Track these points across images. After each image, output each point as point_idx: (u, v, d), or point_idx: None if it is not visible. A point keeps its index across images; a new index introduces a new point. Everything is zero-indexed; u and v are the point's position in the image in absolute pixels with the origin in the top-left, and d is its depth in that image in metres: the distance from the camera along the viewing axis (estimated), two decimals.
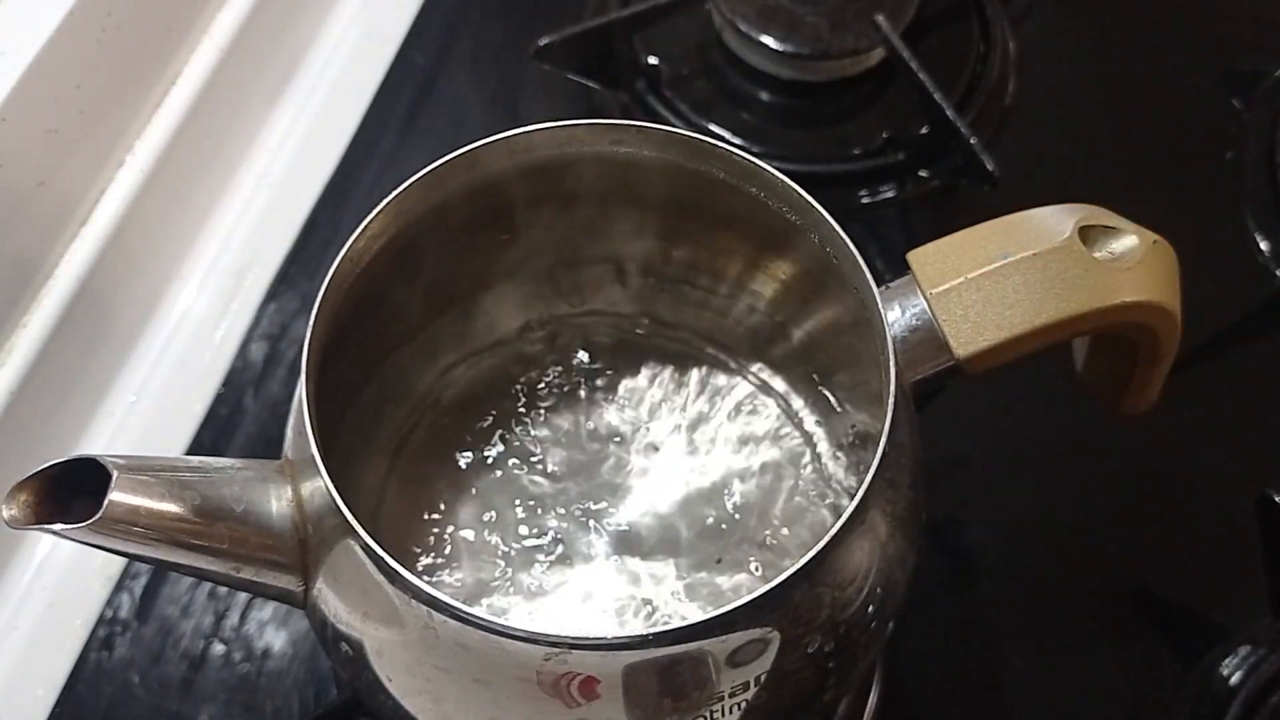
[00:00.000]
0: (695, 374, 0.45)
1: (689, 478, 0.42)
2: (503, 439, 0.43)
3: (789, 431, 0.43)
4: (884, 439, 0.31)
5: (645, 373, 0.45)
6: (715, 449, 0.43)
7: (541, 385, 0.44)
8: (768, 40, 0.54)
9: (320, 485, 0.30)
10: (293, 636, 0.45)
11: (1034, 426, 0.50)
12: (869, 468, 0.31)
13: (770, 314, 0.43)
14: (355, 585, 0.31)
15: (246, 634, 0.45)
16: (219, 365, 0.51)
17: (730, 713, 0.31)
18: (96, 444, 0.49)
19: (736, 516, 0.42)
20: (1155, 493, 0.49)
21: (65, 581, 0.47)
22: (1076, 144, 0.58)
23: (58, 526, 0.29)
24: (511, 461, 0.43)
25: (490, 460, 0.43)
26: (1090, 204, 0.36)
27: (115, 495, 0.29)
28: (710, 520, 0.41)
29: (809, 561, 0.29)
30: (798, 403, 0.44)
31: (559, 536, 0.41)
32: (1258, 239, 0.54)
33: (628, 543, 0.41)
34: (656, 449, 0.43)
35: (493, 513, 0.42)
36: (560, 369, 0.45)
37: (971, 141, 0.52)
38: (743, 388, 0.44)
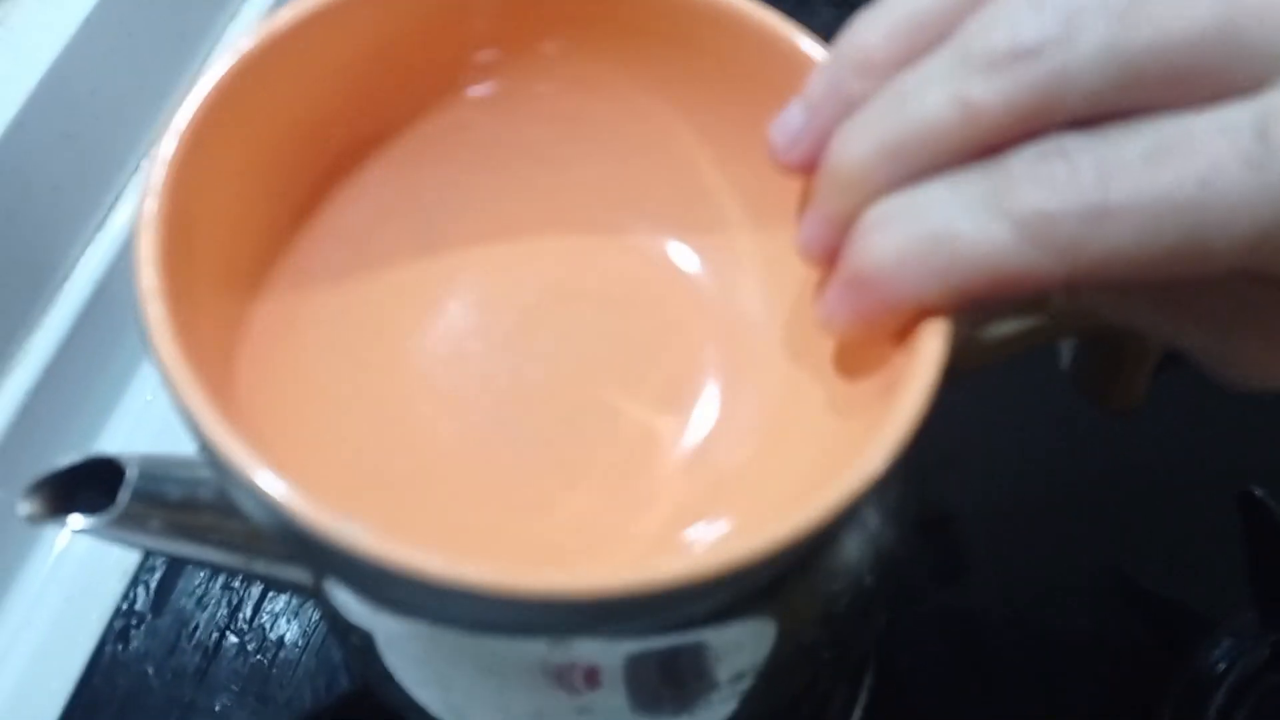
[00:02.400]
0: None
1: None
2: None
3: None
4: None
5: None
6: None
7: None
8: None
9: None
10: (304, 628, 0.46)
11: (1022, 423, 0.51)
12: None
13: None
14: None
15: (260, 625, 0.46)
16: None
17: (727, 701, 0.32)
18: (113, 443, 0.50)
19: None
20: (1141, 488, 0.49)
21: (82, 576, 0.47)
22: None
23: (75, 522, 0.30)
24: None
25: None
26: None
27: (131, 492, 0.30)
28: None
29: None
30: None
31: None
32: None
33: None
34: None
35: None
36: None
37: None
38: None
